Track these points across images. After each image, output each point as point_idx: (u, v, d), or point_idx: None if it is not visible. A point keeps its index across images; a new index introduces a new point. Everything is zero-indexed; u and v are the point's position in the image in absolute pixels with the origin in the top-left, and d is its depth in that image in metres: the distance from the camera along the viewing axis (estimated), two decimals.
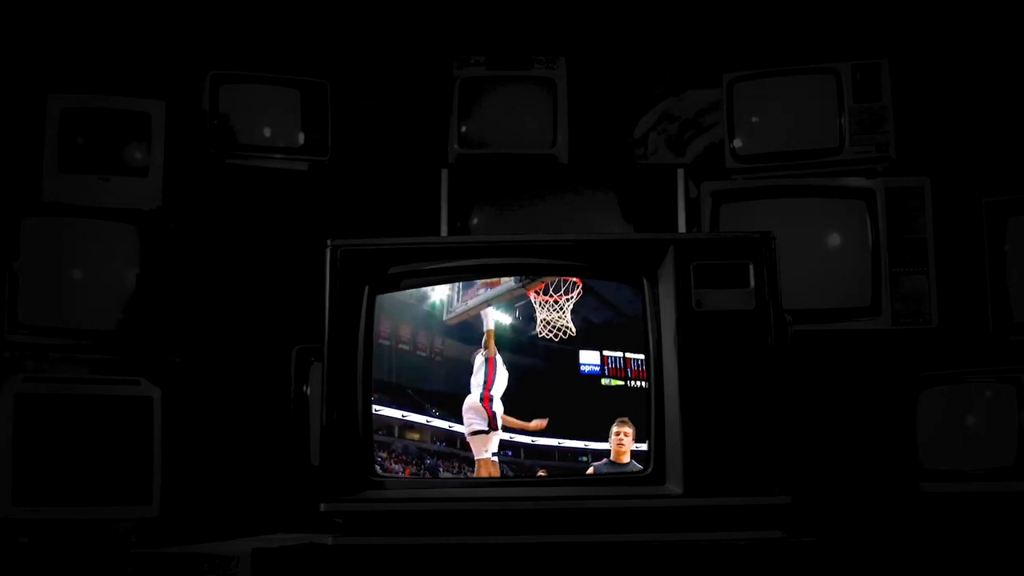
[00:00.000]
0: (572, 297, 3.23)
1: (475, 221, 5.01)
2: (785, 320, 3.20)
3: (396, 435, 3.22)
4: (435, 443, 3.22)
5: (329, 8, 5.69)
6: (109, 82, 5.27)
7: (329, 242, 3.27)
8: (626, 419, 3.17)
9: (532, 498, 3.12)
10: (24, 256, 4.81)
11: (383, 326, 3.24)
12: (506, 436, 3.20)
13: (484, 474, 3.19)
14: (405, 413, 3.22)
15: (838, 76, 5.03)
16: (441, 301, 3.28)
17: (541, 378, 3.23)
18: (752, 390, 3.12)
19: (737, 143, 5.14)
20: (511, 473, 3.18)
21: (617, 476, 3.16)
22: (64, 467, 4.54)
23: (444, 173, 5.10)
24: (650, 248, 3.24)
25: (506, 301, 3.26)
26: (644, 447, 3.16)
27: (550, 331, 3.22)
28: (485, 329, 3.25)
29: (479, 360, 3.24)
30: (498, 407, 3.21)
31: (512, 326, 3.24)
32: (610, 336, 3.23)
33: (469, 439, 3.21)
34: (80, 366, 4.95)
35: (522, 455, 3.19)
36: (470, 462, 3.21)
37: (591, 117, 5.58)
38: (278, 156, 5.37)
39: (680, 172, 4.99)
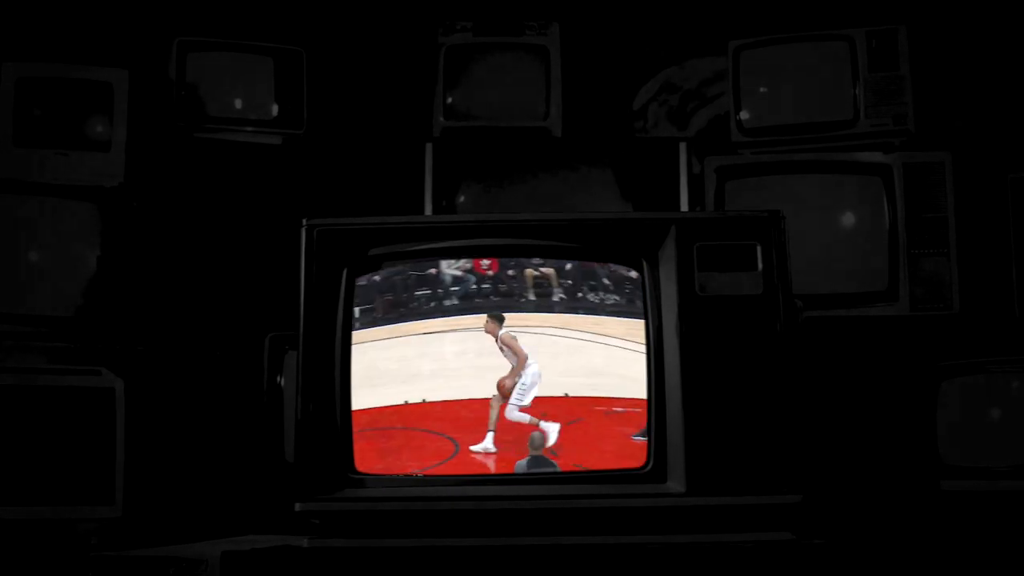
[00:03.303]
0: None
1: (462, 199, 5.01)
2: (795, 305, 3.20)
3: None
4: None
5: None
6: (68, 50, 5.25)
7: (304, 222, 3.26)
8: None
9: (523, 497, 3.12)
10: None
11: None
12: None
13: None
14: None
15: (852, 43, 5.02)
16: None
17: None
18: (760, 381, 3.11)
19: (744, 115, 5.14)
20: None
21: (615, 474, 3.15)
22: (19, 464, 4.52)
23: (428, 147, 5.09)
24: (650, 228, 3.23)
25: None
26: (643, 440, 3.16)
27: None
28: None
29: None
30: None
31: None
32: None
33: None
34: (37, 355, 4.94)
35: None
36: None
37: (586, 87, 5.57)
38: (250, 129, 5.36)
39: (682, 146, 4.99)
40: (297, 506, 3.14)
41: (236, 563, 3.19)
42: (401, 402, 3.24)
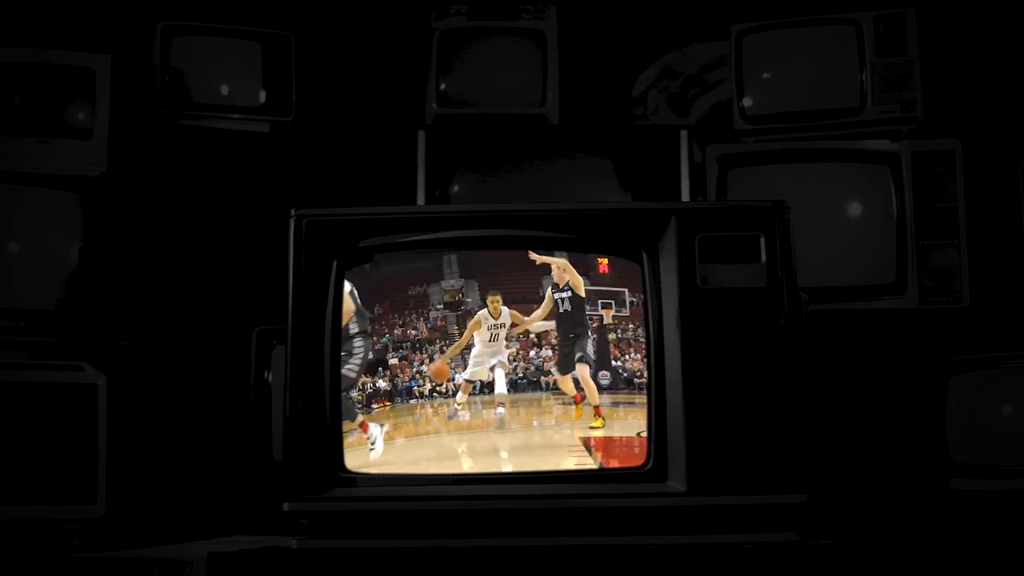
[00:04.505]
0: None
1: (456, 189, 5.01)
2: (800, 299, 3.19)
3: None
4: None
5: None
6: (49, 35, 5.24)
7: (293, 212, 3.26)
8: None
9: (519, 496, 3.12)
10: None
11: None
12: None
13: None
14: None
15: (859, 27, 5.02)
16: None
17: None
18: (763, 376, 3.11)
19: (747, 102, 5.13)
20: None
21: (615, 473, 3.15)
22: None
23: (421, 135, 5.09)
24: (650, 218, 3.23)
25: None
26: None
27: None
28: None
29: None
30: None
31: None
32: None
33: None
34: (17, 350, 4.93)
35: None
36: None
37: (584, 73, 5.56)
38: (237, 116, 5.35)
39: (683, 134, 4.99)
40: (286, 506, 3.14)
41: (223, 564, 3.19)
42: None
